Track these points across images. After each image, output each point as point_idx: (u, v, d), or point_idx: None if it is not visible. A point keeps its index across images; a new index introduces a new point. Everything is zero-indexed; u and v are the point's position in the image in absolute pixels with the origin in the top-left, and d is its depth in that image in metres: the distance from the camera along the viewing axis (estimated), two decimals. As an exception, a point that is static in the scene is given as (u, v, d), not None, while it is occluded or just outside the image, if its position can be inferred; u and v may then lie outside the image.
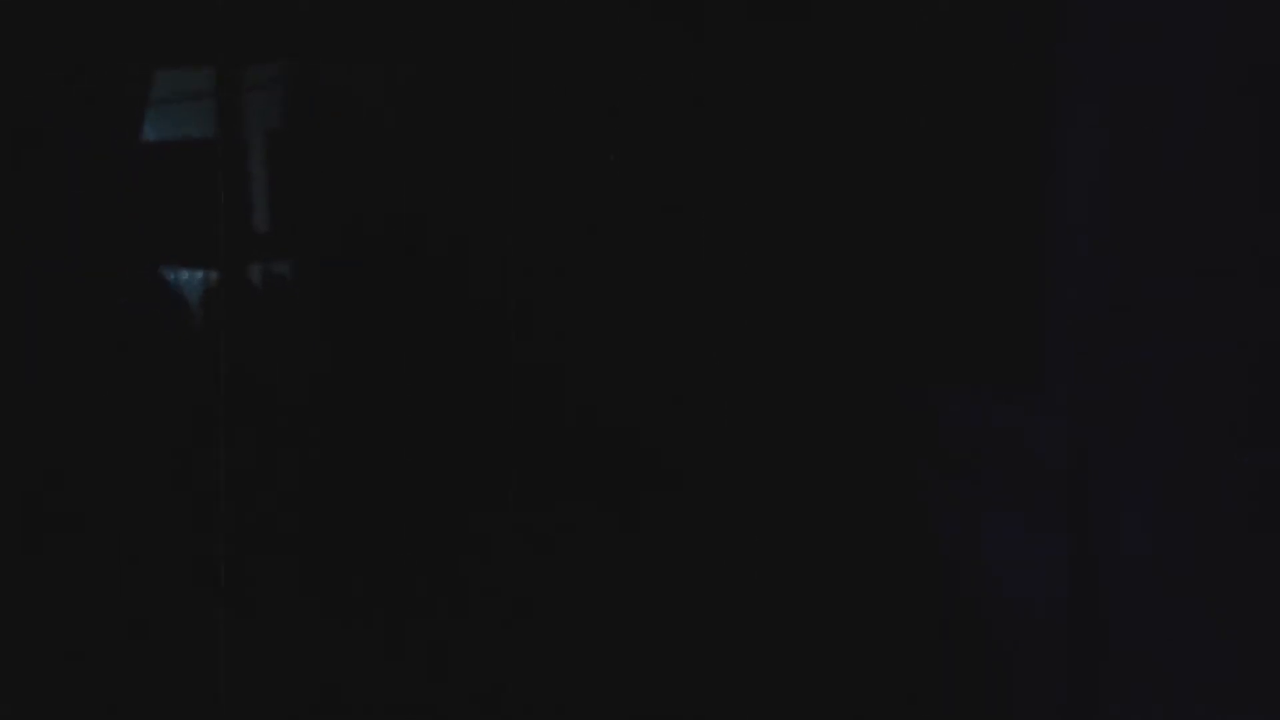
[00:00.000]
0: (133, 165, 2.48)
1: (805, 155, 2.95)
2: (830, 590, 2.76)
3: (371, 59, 2.67)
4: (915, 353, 2.45)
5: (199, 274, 2.65)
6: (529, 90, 2.78)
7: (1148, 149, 1.41)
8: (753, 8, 2.83)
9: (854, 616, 2.77)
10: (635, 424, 2.52)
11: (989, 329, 2.00)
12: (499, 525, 2.43)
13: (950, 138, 2.16)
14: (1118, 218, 1.48)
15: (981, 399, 1.99)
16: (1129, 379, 1.46)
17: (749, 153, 2.98)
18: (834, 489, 2.82)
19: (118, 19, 2.31)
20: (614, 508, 2.46)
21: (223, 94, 2.48)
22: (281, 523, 2.51)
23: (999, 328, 1.95)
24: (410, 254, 2.52)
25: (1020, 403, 1.80)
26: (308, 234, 2.57)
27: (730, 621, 2.61)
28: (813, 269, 2.97)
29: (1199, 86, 1.31)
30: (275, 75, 2.80)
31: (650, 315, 2.65)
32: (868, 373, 2.71)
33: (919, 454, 2.36)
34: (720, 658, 2.62)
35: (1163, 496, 1.36)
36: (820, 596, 2.74)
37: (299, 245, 2.64)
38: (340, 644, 2.44)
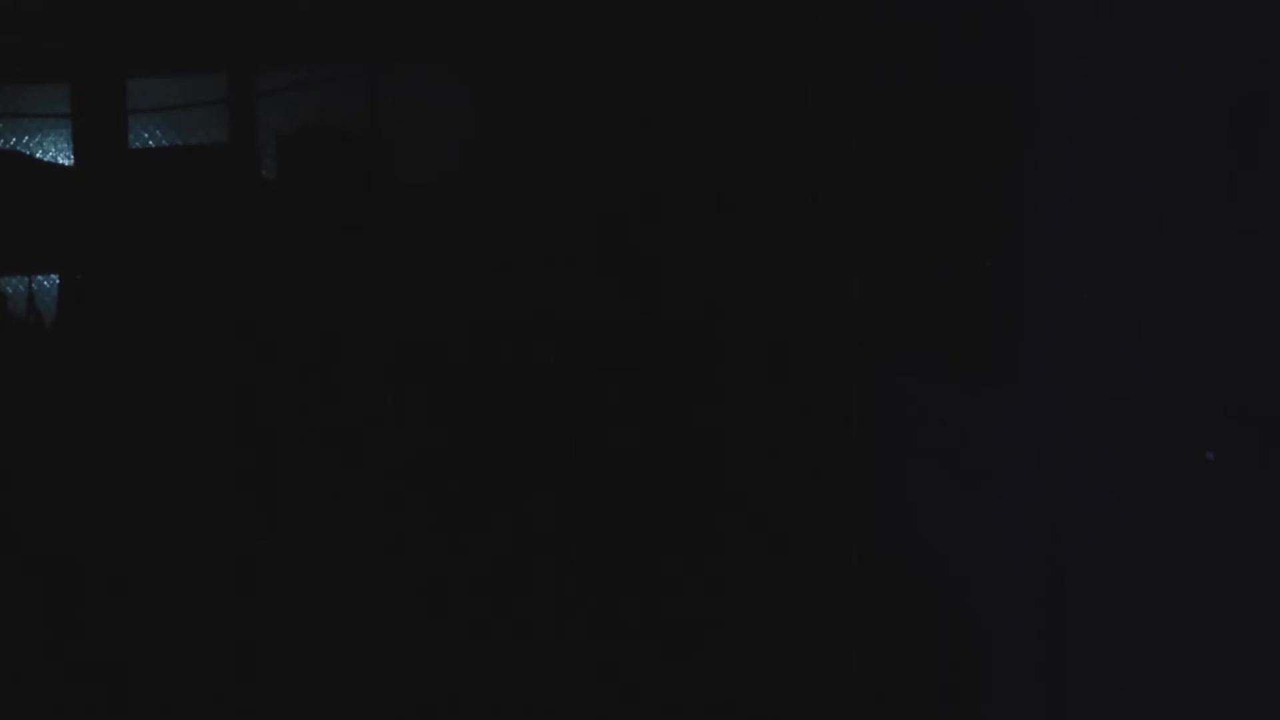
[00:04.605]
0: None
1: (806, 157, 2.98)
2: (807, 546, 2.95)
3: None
4: (899, 345, 2.48)
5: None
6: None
7: (1132, 156, 1.45)
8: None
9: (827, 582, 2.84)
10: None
11: (966, 325, 2.02)
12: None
13: (943, 144, 2.19)
14: (1106, 219, 1.51)
15: (961, 394, 2.02)
16: (1115, 378, 1.49)
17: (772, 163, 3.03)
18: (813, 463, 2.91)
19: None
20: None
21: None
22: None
23: (975, 324, 1.98)
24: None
25: (998, 399, 1.84)
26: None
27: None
28: (809, 266, 3.00)
29: (1178, 89, 1.34)
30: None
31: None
32: (854, 363, 2.75)
33: (897, 442, 2.38)
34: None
35: (1152, 496, 1.39)
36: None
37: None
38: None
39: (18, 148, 4.21)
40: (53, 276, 4.00)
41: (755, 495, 3.14)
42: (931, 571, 2.21)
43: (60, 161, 4.06)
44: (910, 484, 2.36)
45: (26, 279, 4.03)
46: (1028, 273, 1.74)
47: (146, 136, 4.03)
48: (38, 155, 4.19)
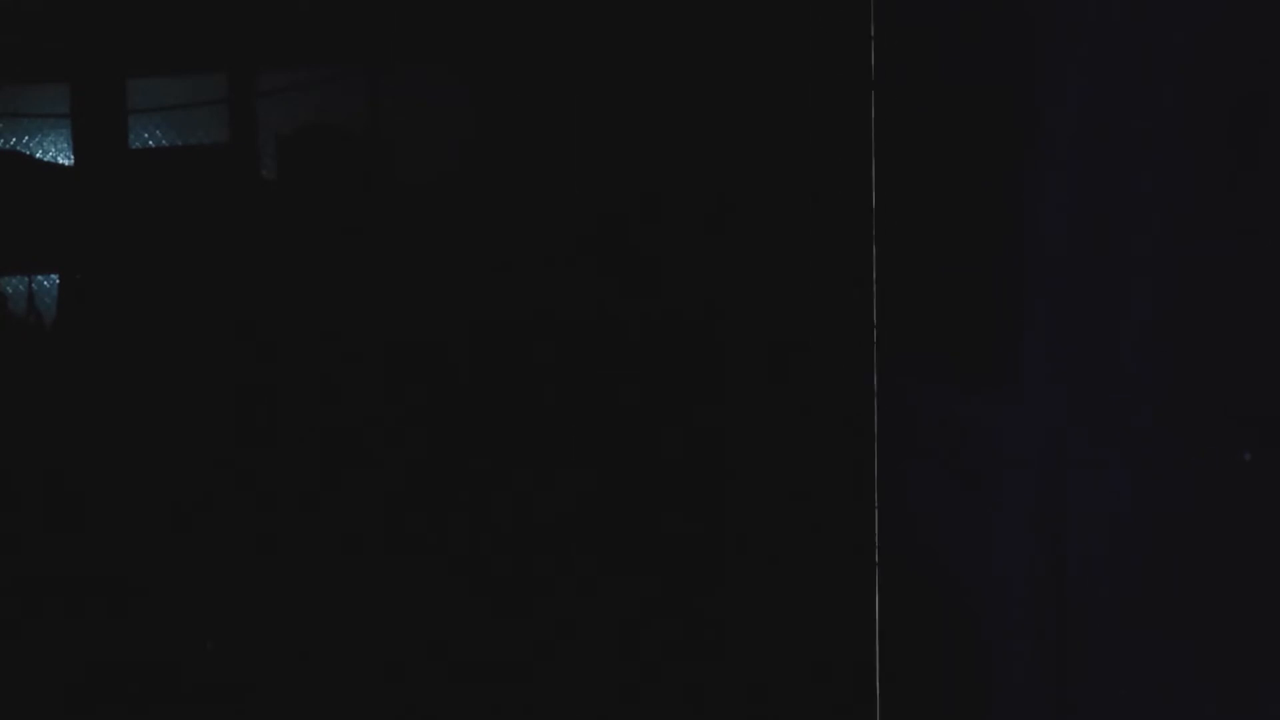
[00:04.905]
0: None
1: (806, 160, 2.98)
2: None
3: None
4: (899, 345, 2.48)
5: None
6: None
7: (1132, 155, 1.45)
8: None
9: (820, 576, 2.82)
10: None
11: (966, 325, 2.03)
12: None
13: (943, 144, 2.20)
14: (1106, 219, 1.51)
15: (961, 394, 2.02)
16: (1115, 378, 1.49)
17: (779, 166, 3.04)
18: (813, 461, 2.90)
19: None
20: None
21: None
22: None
23: (975, 324, 1.98)
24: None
25: (998, 399, 1.84)
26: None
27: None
28: (806, 268, 3.01)
29: (1178, 89, 1.34)
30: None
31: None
32: (854, 363, 2.75)
33: (897, 442, 2.39)
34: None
35: (1152, 496, 1.39)
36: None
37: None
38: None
39: (18, 148, 4.21)
40: (53, 276, 4.01)
41: (755, 495, 3.14)
42: (931, 572, 2.21)
43: (60, 161, 4.06)
44: (910, 484, 2.36)
45: (26, 279, 4.03)
46: (1028, 273, 1.75)
47: (146, 136, 4.03)
48: (38, 155, 4.19)
